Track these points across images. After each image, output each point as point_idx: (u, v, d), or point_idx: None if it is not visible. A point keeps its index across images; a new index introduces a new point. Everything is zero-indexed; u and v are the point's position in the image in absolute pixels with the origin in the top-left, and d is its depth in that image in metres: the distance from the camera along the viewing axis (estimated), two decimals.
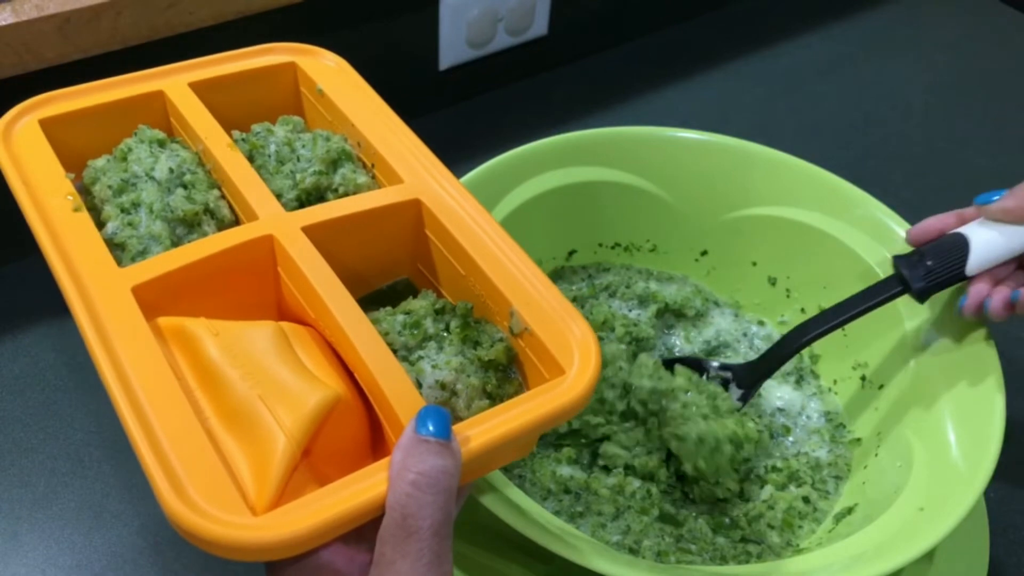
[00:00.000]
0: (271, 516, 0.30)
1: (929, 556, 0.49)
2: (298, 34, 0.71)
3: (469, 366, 0.39)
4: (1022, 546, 0.55)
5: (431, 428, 0.32)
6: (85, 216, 0.40)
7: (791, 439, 0.57)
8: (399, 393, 0.35)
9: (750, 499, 0.53)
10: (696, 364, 0.57)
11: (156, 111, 0.47)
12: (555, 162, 0.60)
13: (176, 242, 0.41)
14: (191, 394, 0.34)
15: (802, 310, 0.62)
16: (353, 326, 0.36)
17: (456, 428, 0.33)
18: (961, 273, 0.48)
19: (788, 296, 0.62)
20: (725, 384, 0.56)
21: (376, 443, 0.37)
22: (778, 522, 0.51)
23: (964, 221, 0.49)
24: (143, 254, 0.39)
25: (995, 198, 0.47)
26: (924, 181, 0.82)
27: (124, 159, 0.43)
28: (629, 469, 0.53)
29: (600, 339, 0.58)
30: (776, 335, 0.62)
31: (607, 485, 0.52)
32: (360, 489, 0.31)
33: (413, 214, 0.43)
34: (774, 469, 0.54)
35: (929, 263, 0.49)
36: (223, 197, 0.43)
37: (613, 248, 0.65)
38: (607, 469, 0.54)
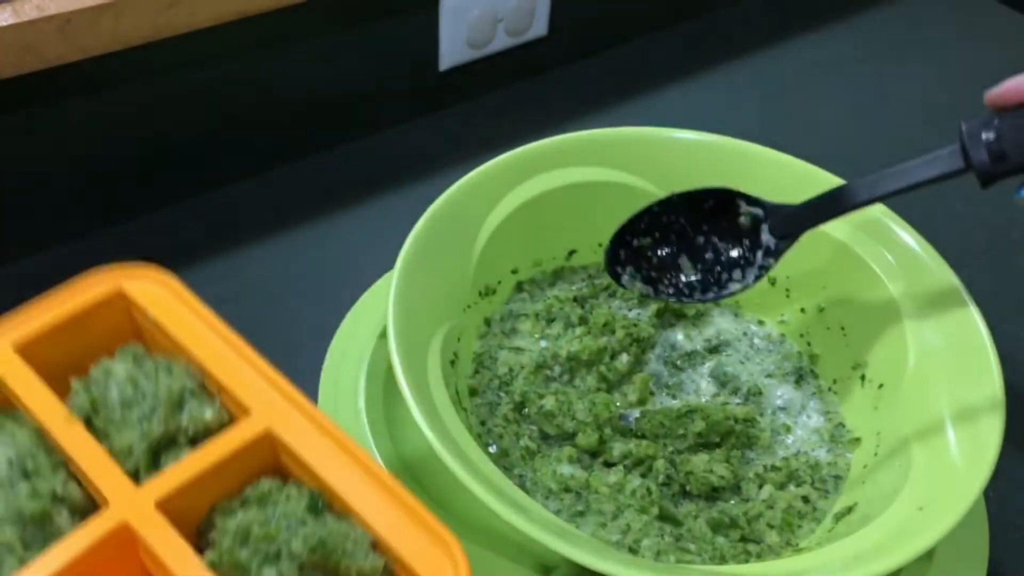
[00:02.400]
0: None
1: (929, 556, 0.49)
2: (298, 35, 0.71)
3: None
4: (1022, 546, 0.55)
5: None
6: None
7: (791, 438, 0.57)
8: None
9: (749, 499, 0.53)
10: (727, 199, 0.50)
11: None
12: (555, 162, 0.60)
13: (27, 546, 0.36)
14: None
15: (802, 310, 0.62)
16: None
17: None
18: None
19: (788, 296, 0.62)
20: (756, 223, 0.47)
21: None
22: (778, 522, 0.52)
23: None
24: None
25: None
26: None
27: None
28: (628, 457, 0.53)
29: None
30: (776, 334, 0.63)
31: (607, 483, 0.52)
32: None
33: (267, 446, 0.40)
34: (774, 469, 0.54)
35: (1000, 140, 0.39)
36: (72, 477, 0.39)
37: None
38: (608, 465, 0.54)
